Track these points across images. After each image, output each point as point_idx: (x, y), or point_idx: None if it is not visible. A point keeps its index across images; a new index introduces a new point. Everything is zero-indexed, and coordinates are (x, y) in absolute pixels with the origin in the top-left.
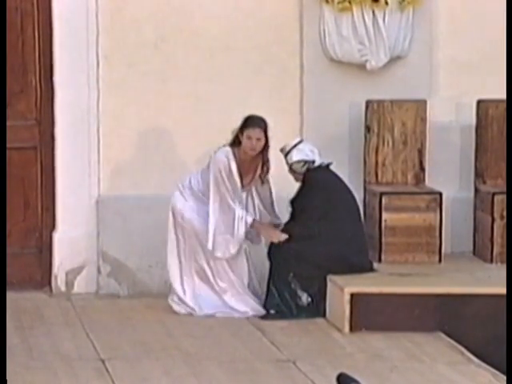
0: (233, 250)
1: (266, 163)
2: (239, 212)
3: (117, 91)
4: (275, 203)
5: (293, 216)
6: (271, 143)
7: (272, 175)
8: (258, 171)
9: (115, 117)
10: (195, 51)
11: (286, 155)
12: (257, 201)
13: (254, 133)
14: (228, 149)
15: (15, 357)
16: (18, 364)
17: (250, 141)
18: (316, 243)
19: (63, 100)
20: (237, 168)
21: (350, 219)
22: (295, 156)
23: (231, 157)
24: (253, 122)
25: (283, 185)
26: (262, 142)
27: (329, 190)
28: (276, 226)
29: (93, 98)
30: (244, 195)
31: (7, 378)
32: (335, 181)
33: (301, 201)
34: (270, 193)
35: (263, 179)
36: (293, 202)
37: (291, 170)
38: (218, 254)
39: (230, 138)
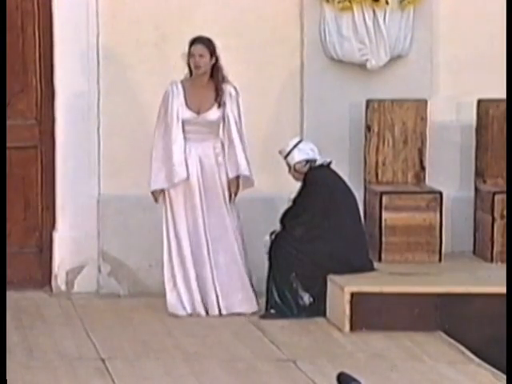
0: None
1: (218, 84)
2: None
3: (117, 91)
4: (238, 139)
5: (294, 214)
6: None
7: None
8: (213, 95)
9: (115, 116)
10: None
11: (286, 156)
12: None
13: (196, 49)
14: (176, 80)
15: (15, 356)
16: (19, 363)
17: (193, 58)
18: (318, 243)
19: (63, 99)
20: (183, 98)
21: (351, 218)
22: (297, 156)
23: (175, 88)
24: (195, 40)
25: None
26: (206, 59)
27: (331, 189)
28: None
29: (93, 97)
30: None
31: (7, 378)
32: (336, 180)
33: (303, 200)
34: (230, 117)
35: (219, 102)
36: (295, 200)
37: (294, 170)
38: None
39: None
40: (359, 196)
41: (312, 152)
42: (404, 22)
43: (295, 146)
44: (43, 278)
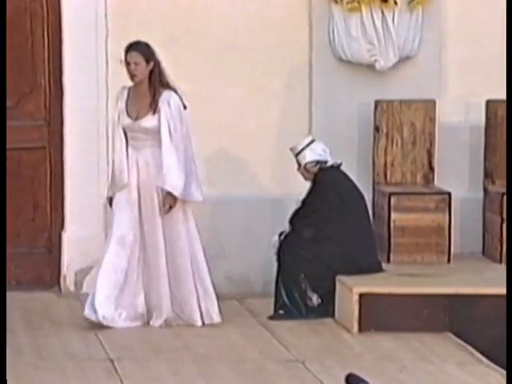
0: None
1: (155, 91)
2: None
3: None
4: (171, 148)
5: (303, 215)
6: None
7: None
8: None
9: None
10: (204, 52)
11: (297, 154)
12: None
13: (131, 57)
14: (126, 86)
15: (24, 357)
16: (27, 364)
17: (129, 67)
18: (327, 244)
19: (72, 100)
20: (125, 104)
21: (360, 220)
22: (308, 156)
23: (121, 94)
24: (130, 46)
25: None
26: (142, 66)
27: (340, 190)
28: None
29: (102, 98)
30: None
31: (16, 379)
32: (346, 181)
33: (312, 201)
34: (163, 125)
35: (154, 108)
36: (304, 201)
37: (304, 169)
38: None
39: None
40: (368, 197)
41: (324, 153)
42: (413, 23)
43: (307, 145)
44: (52, 278)
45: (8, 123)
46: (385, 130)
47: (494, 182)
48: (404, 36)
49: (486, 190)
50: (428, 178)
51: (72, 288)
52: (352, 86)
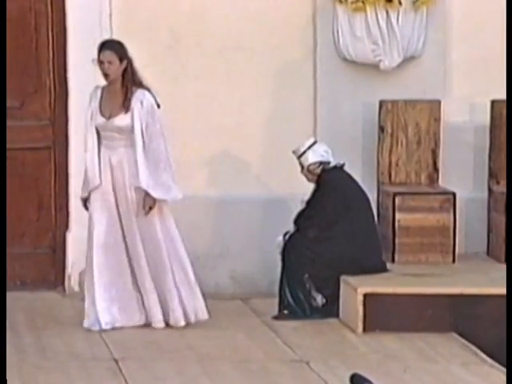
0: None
1: (128, 89)
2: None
3: None
4: (143, 146)
5: (307, 216)
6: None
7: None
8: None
9: None
10: (209, 52)
11: (299, 156)
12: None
13: (104, 56)
14: (100, 85)
15: (28, 357)
16: (32, 364)
17: (102, 66)
18: (331, 244)
19: (77, 100)
20: (99, 103)
21: (364, 220)
22: (311, 158)
23: (94, 93)
24: (103, 45)
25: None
26: (115, 65)
27: (344, 191)
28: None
29: None
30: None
31: (21, 378)
32: (350, 182)
33: (316, 202)
34: (136, 125)
35: (127, 107)
36: (308, 202)
37: (307, 171)
38: None
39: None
40: (372, 197)
41: (326, 154)
42: (417, 23)
43: (309, 147)
44: (56, 278)
45: (13, 123)
46: (389, 130)
47: (498, 182)
48: (408, 36)
49: (490, 190)
50: (432, 178)
51: (76, 288)
52: (356, 86)
